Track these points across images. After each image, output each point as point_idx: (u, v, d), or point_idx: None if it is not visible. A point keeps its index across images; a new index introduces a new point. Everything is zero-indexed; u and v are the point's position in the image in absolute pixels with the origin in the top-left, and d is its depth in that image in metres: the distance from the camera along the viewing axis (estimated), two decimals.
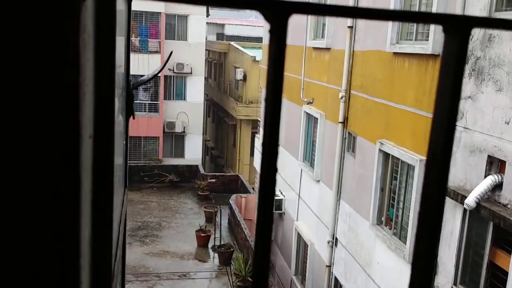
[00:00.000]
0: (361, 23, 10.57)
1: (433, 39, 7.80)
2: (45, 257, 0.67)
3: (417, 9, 8.67)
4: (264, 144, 0.46)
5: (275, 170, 0.47)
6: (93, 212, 0.86)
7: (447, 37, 0.42)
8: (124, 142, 1.87)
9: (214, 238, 18.23)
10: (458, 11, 7.19)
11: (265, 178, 0.46)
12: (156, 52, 26.38)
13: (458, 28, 0.41)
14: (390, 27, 9.10)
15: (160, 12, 26.26)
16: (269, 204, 0.46)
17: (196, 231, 18.65)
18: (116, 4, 0.98)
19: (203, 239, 18.35)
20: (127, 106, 1.83)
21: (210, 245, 18.38)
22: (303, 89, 13.74)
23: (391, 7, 9.10)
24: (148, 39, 26.46)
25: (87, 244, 0.81)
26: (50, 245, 0.67)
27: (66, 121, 0.63)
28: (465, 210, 6.85)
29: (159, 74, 25.26)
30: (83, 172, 0.69)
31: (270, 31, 0.44)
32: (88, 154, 0.76)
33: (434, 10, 7.80)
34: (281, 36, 0.44)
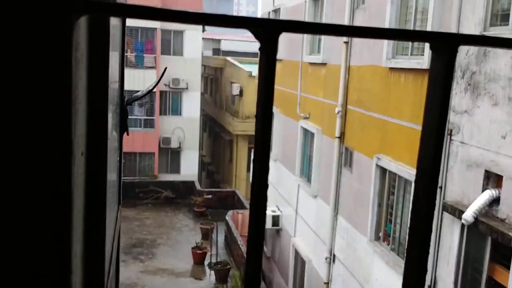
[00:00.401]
0: (357, 38, 10.65)
1: (429, 54, 7.85)
2: (35, 276, 0.66)
3: (412, 25, 8.74)
4: (255, 158, 0.46)
5: (266, 185, 0.47)
6: (86, 230, 0.85)
7: (434, 55, 0.43)
8: (118, 158, 1.87)
9: (211, 255, 18.08)
10: (453, 25, 7.25)
11: (256, 192, 0.46)
12: (152, 67, 26.44)
13: (445, 46, 0.42)
14: (385, 42, 9.16)
15: (156, 28, 26.38)
16: (261, 213, 0.46)
17: (192, 248, 18.50)
18: (110, 21, 0.98)
19: (199, 256, 18.19)
20: (121, 122, 1.83)
21: (206, 262, 18.22)
22: (299, 104, 13.79)
23: (386, 21, 9.17)
24: (144, 55, 26.54)
25: (79, 262, 0.80)
26: (40, 264, 0.66)
27: (57, 139, 0.63)
28: (463, 225, 6.84)
29: (155, 90, 25.30)
30: (74, 190, 0.69)
31: (260, 49, 0.45)
32: (80, 171, 0.76)
33: (429, 25, 7.87)
34: (271, 54, 0.45)
